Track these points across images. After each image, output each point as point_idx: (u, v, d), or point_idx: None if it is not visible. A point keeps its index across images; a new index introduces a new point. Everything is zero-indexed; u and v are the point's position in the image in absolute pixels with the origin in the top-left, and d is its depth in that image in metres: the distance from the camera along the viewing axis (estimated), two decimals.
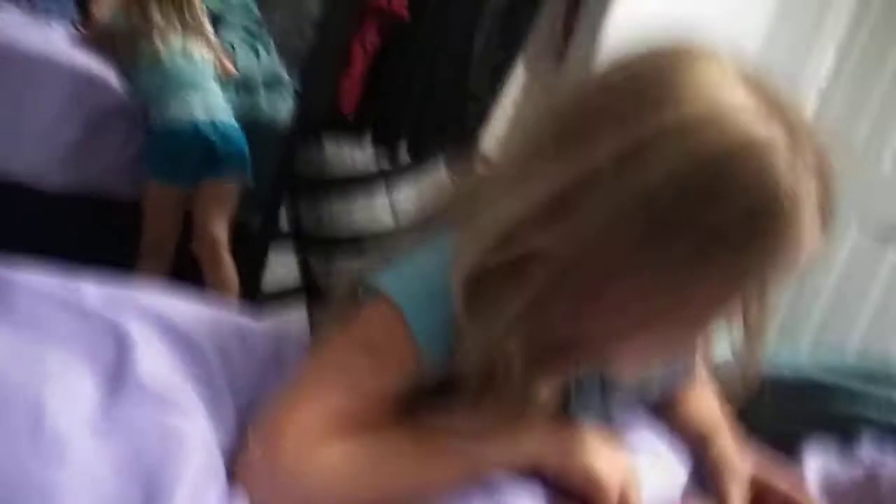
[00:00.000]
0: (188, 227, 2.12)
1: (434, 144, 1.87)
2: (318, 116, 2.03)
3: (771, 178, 0.49)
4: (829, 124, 2.65)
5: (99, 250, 2.05)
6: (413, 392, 0.61)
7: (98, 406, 0.55)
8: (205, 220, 2.11)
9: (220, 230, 2.12)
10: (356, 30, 1.88)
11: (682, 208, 0.49)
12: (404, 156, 1.87)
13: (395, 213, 1.65)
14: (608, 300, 0.53)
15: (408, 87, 1.93)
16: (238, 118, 2.16)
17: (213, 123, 2.02)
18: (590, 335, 0.57)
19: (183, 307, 0.72)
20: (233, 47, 2.40)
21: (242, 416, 0.63)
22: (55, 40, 2.14)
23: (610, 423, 0.72)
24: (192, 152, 2.01)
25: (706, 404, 0.83)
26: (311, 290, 1.71)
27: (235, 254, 2.15)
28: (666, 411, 0.82)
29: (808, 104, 2.71)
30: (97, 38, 2.13)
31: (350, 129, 1.85)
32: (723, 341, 0.62)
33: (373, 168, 1.73)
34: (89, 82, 2.01)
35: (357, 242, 1.58)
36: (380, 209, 1.65)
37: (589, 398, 0.71)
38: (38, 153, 1.94)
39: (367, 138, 1.82)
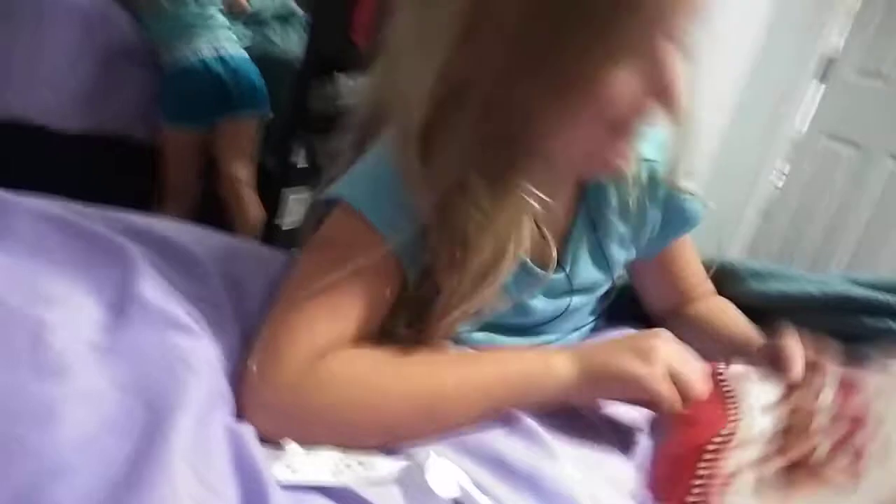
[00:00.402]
0: (213, 168, 2.11)
1: None
2: (331, 50, 1.98)
3: None
4: (862, 49, 2.56)
5: (118, 193, 2.07)
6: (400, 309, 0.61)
7: (101, 326, 0.54)
8: (225, 160, 2.09)
9: (241, 168, 2.11)
10: None
11: None
12: None
13: None
14: (535, 96, 0.54)
15: None
16: (250, 53, 2.13)
17: (223, 59, 1.98)
18: (533, 139, 0.58)
19: (191, 233, 0.72)
20: None
21: (250, 338, 0.62)
22: None
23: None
24: (204, 92, 1.97)
25: (732, 319, 0.84)
26: None
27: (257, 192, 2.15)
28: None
29: (840, 32, 2.62)
30: None
31: (364, 61, 1.81)
32: None
33: None
34: (102, 23, 1.98)
35: None
36: None
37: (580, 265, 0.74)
38: (53, 94, 1.92)
39: None
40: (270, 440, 0.54)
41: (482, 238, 0.57)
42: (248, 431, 0.52)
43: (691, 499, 0.55)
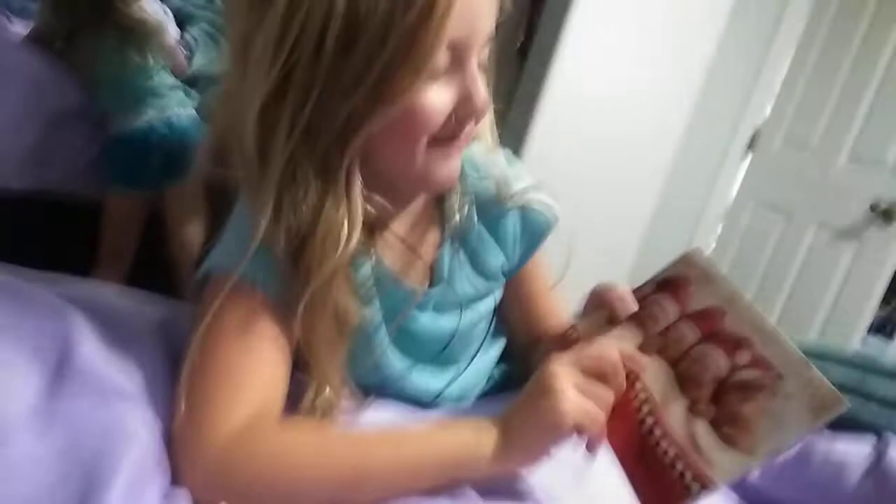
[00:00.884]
0: (156, 230, 2.08)
1: None
2: None
3: None
4: (786, 124, 2.72)
5: (57, 254, 2.04)
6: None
7: (40, 397, 0.55)
8: (173, 224, 2.06)
9: (191, 232, 2.06)
10: None
11: None
12: None
13: None
14: (349, 77, 0.58)
15: None
16: (202, 111, 2.15)
17: (170, 123, 1.97)
18: (359, 152, 0.62)
19: (131, 298, 0.73)
20: (197, 42, 2.39)
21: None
22: (13, 39, 2.12)
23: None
24: (150, 156, 1.96)
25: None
26: None
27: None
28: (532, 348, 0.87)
29: (766, 106, 2.79)
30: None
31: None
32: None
33: None
34: (48, 84, 1.98)
35: None
36: None
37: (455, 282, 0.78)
38: None
39: None
40: None
41: (318, 226, 0.61)
42: (183, 499, 0.53)
43: (690, 484, 0.59)
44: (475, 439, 0.62)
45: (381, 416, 0.72)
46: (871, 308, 2.35)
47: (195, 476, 0.58)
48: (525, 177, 0.83)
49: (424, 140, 0.64)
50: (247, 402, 0.60)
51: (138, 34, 1.99)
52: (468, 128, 0.67)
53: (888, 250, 2.31)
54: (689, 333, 0.68)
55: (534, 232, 0.83)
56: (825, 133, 2.57)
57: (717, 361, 0.65)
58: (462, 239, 0.79)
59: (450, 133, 0.65)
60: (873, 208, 2.32)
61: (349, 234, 0.63)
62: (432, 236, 0.78)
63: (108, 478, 0.49)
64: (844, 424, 0.84)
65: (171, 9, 2.36)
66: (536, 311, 0.89)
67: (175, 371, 0.66)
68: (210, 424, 0.59)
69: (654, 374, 0.66)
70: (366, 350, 0.72)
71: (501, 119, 0.79)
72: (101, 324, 0.65)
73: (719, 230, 2.99)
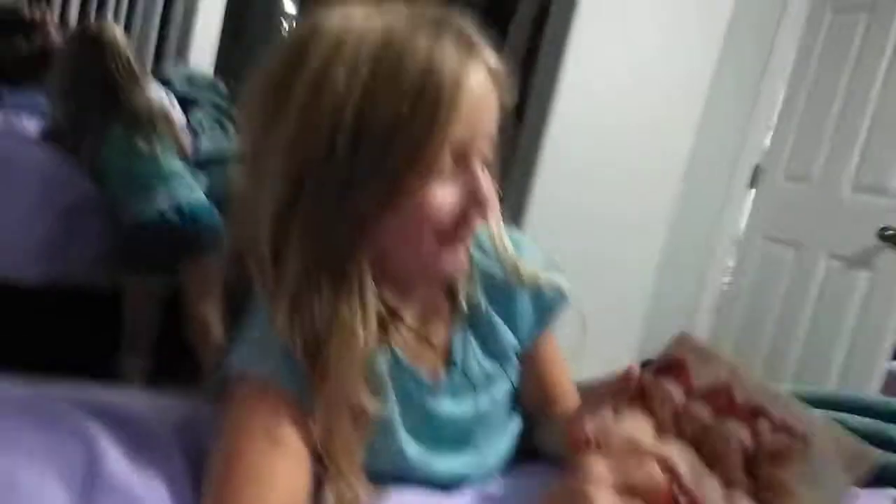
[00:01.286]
0: (177, 314, 2.11)
1: None
2: None
3: (419, 45, 0.62)
4: (785, 155, 2.75)
5: (80, 343, 2.08)
6: None
7: None
8: (190, 303, 2.08)
9: (207, 310, 2.05)
10: None
11: (375, 86, 0.61)
12: None
13: None
14: (359, 181, 0.62)
15: None
16: (212, 195, 2.20)
17: (180, 208, 2.01)
18: (371, 246, 0.66)
19: (152, 405, 0.75)
20: (203, 126, 2.46)
21: None
22: (25, 136, 2.19)
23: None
24: (162, 245, 2.00)
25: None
26: None
27: None
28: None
29: (764, 141, 2.82)
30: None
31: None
32: None
33: None
34: (60, 178, 2.04)
35: None
36: None
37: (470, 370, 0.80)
38: (12, 250, 1.96)
39: None
40: None
41: (333, 332, 0.63)
42: None
43: None
44: None
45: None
46: (891, 333, 2.33)
47: None
48: (536, 256, 0.84)
49: (431, 235, 0.67)
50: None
51: (145, 123, 2.06)
52: (474, 222, 0.69)
53: None
54: (703, 412, 0.68)
55: (544, 311, 0.85)
56: (826, 163, 2.59)
57: (739, 433, 0.65)
58: (472, 323, 0.81)
59: (456, 227, 0.68)
60: (881, 235, 2.32)
61: (364, 335, 0.65)
62: (443, 322, 0.80)
63: None
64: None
65: (174, 94, 2.45)
66: (548, 390, 0.90)
67: (196, 473, 0.68)
68: None
69: (679, 457, 0.65)
70: (384, 442, 0.72)
71: (504, 173, 0.81)
72: (124, 434, 0.66)
73: (731, 267, 2.99)
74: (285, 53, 0.66)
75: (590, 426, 0.65)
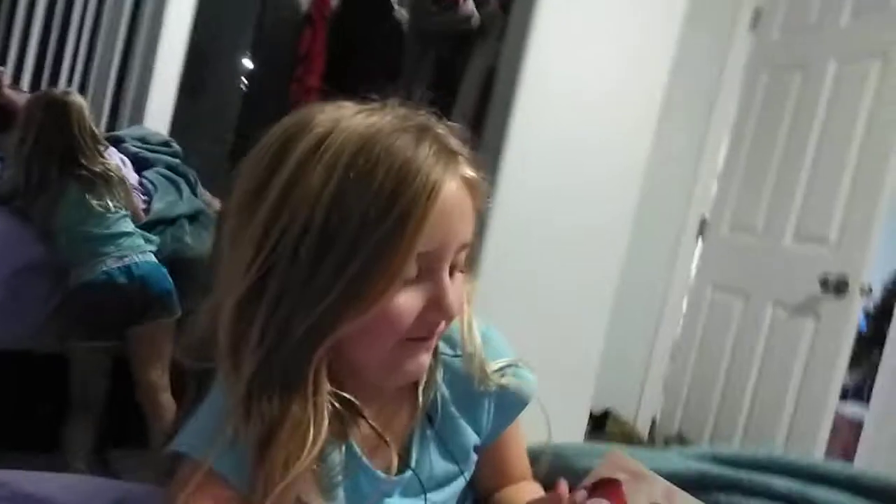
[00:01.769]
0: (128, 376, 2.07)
1: None
2: None
3: (396, 152, 0.62)
4: (730, 206, 2.82)
5: (29, 406, 2.05)
6: None
7: None
8: (138, 367, 2.06)
9: (156, 374, 2.06)
10: None
11: (347, 185, 0.61)
12: None
13: None
14: (321, 282, 0.62)
15: None
16: (164, 256, 2.19)
17: (128, 269, 2.00)
18: (326, 320, 0.63)
19: (79, 491, 0.74)
20: (155, 186, 2.46)
21: None
22: None
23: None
24: (109, 306, 1.98)
25: (525, 492, 0.89)
26: None
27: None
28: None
29: (709, 194, 2.90)
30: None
31: None
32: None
33: None
34: (10, 240, 2.03)
35: None
36: None
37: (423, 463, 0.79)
38: None
39: None
40: None
41: (282, 430, 0.63)
42: None
43: None
44: None
45: None
46: (839, 378, 2.38)
47: None
48: (503, 351, 0.84)
49: (392, 340, 0.66)
50: None
51: (100, 186, 2.05)
52: (437, 329, 0.69)
53: (846, 321, 2.36)
54: None
55: (508, 409, 0.85)
56: (768, 214, 2.67)
57: None
58: (433, 421, 0.80)
59: (419, 333, 0.68)
60: (823, 283, 2.38)
61: (314, 437, 0.64)
62: (403, 417, 0.79)
63: None
64: None
65: (126, 155, 2.44)
66: (504, 473, 0.90)
67: None
68: None
69: None
70: None
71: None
72: None
73: (684, 313, 3.04)
74: (270, 146, 0.66)
75: None
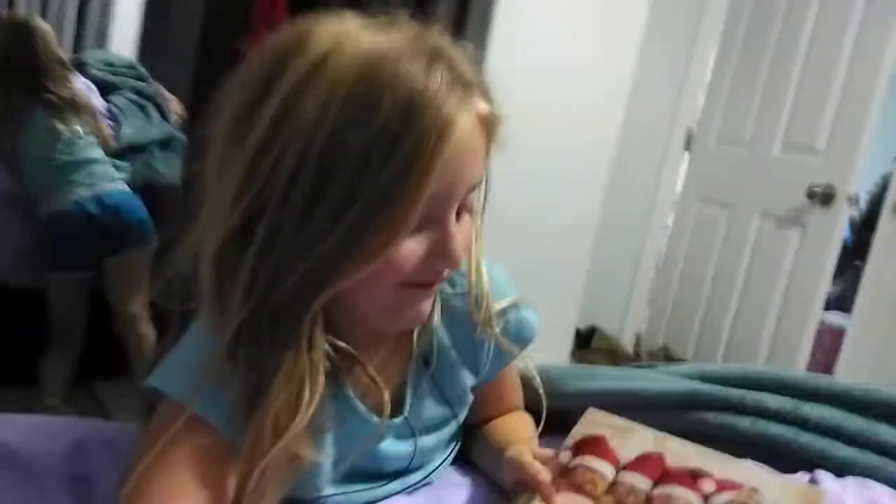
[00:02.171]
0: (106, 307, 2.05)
1: None
2: None
3: (404, 81, 0.53)
4: (717, 120, 2.77)
5: (9, 338, 2.02)
6: None
7: None
8: (117, 300, 2.04)
9: (137, 306, 2.04)
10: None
11: (347, 117, 0.53)
12: None
13: None
14: (317, 227, 0.55)
15: None
16: (135, 184, 2.13)
17: (100, 199, 1.95)
18: (321, 270, 0.57)
19: (37, 433, 0.71)
20: (123, 111, 2.37)
21: None
22: None
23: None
24: (82, 237, 1.93)
25: (514, 423, 0.87)
26: None
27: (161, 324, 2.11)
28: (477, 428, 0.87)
29: (697, 106, 2.83)
30: None
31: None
32: None
33: None
34: None
35: None
36: None
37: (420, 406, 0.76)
38: None
39: None
40: None
41: (274, 385, 0.58)
42: None
43: None
44: None
45: None
46: (824, 287, 2.39)
47: None
48: (506, 290, 0.79)
49: (393, 286, 0.61)
50: None
51: (68, 112, 1.98)
52: (441, 276, 0.64)
53: (832, 231, 2.35)
54: (639, 483, 0.68)
55: (508, 352, 0.80)
56: (756, 126, 2.62)
57: (687, 498, 0.65)
58: (429, 365, 0.76)
59: (421, 279, 0.62)
60: (810, 194, 2.36)
61: (310, 395, 0.59)
62: (398, 360, 0.75)
63: None
64: (782, 451, 0.86)
65: (91, 80, 2.34)
66: (495, 408, 0.88)
67: (85, 498, 0.65)
68: None
69: None
70: (305, 480, 0.67)
71: None
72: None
73: (669, 228, 3.03)
74: (260, 66, 0.58)
75: None
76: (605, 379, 0.98)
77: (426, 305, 0.66)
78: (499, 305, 0.76)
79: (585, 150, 2.41)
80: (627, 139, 2.52)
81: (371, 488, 0.76)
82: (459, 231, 0.61)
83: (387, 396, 0.70)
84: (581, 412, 0.86)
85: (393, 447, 0.76)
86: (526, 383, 0.91)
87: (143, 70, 2.59)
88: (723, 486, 0.66)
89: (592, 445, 0.72)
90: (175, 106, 2.55)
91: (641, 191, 2.90)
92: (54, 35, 2.06)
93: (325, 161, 0.53)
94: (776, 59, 2.55)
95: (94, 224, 1.94)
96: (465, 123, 0.56)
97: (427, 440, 0.79)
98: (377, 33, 0.56)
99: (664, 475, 0.69)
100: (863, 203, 3.28)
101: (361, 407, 0.71)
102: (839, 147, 2.33)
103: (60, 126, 1.96)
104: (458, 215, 0.62)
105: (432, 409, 0.78)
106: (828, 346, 2.78)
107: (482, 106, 0.59)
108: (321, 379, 0.60)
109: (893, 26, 2.19)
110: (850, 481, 0.81)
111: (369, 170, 0.53)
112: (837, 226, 2.33)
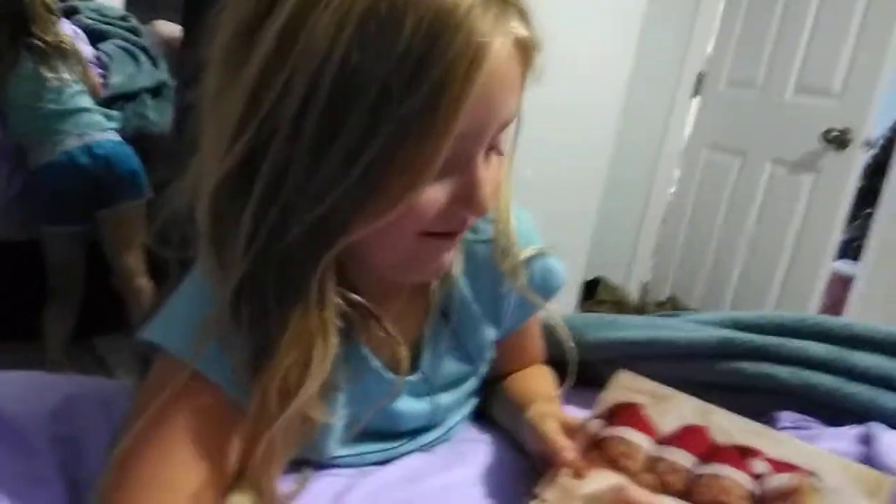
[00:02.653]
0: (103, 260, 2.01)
1: None
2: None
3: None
4: (728, 63, 2.68)
5: (9, 292, 1.98)
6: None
7: None
8: (113, 252, 1.99)
9: (132, 258, 1.99)
10: None
11: (364, 41, 0.46)
12: None
13: None
14: (330, 168, 0.48)
15: None
16: (127, 134, 2.06)
17: (91, 149, 1.88)
18: (335, 218, 0.51)
19: (22, 391, 0.67)
20: (112, 59, 2.28)
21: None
22: None
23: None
24: (73, 189, 1.87)
25: (535, 378, 0.82)
26: None
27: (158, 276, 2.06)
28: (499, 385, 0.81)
29: (707, 48, 2.74)
30: None
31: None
32: None
33: None
34: None
35: None
36: None
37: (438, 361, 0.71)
38: None
39: None
40: None
41: (281, 347, 0.52)
42: None
43: None
44: None
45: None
46: (837, 232, 2.33)
47: None
48: (532, 238, 0.73)
49: (413, 236, 0.54)
50: (177, 496, 0.52)
51: (55, 58, 1.90)
52: (465, 225, 0.57)
53: (846, 176, 2.28)
54: (682, 459, 0.61)
55: (532, 302, 0.74)
56: (769, 68, 2.53)
57: (736, 478, 0.58)
58: (448, 318, 0.71)
59: (444, 228, 0.55)
60: (825, 137, 2.29)
61: (321, 357, 0.53)
62: (415, 313, 0.70)
63: None
64: (827, 402, 0.81)
65: (81, 27, 2.25)
66: (517, 361, 0.83)
67: (75, 461, 0.61)
68: None
69: None
70: (316, 441, 0.62)
71: None
72: None
73: (677, 177, 2.96)
74: None
75: None
76: (629, 328, 0.93)
77: (447, 257, 0.60)
78: (524, 254, 0.70)
79: (593, 97, 2.33)
80: (636, 85, 2.44)
81: (385, 449, 0.72)
82: (488, 175, 0.55)
83: (404, 352, 0.64)
84: (604, 363, 0.81)
85: (409, 405, 0.71)
86: (545, 335, 0.85)
87: (135, 23, 2.49)
88: (776, 466, 0.60)
89: (626, 414, 0.64)
90: None
91: (649, 137, 2.83)
92: None
93: (339, 91, 0.46)
94: None
95: (85, 175, 1.87)
96: (500, 49, 0.48)
97: (445, 397, 0.75)
98: None
99: (710, 452, 0.61)
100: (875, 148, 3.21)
101: (376, 363, 0.66)
102: (855, 89, 2.25)
103: (47, 73, 1.87)
104: (487, 156, 0.55)
105: (451, 364, 0.73)
106: (836, 295, 2.74)
107: (520, 28, 0.51)
108: (333, 339, 0.55)
109: None
110: None
111: (389, 102, 0.46)
112: (852, 169, 2.26)
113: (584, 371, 0.78)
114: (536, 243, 0.73)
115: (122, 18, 2.49)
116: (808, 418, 0.78)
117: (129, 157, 1.98)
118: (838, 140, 2.26)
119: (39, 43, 1.87)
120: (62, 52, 1.93)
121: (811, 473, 0.59)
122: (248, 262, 0.51)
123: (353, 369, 0.62)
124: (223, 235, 0.52)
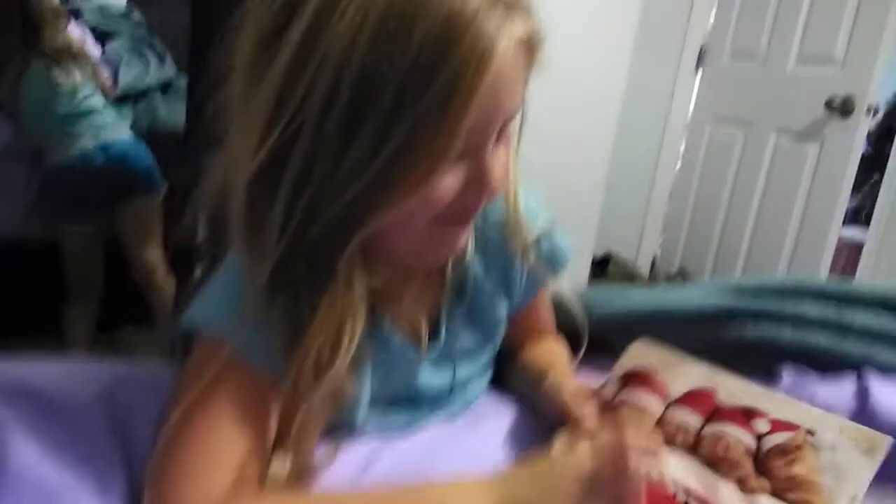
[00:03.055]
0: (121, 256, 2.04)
1: None
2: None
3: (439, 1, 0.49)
4: (730, 35, 2.68)
5: (29, 293, 2.02)
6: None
7: None
8: (131, 248, 2.03)
9: (150, 254, 2.03)
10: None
11: (378, 49, 0.49)
12: None
13: None
14: (351, 163, 0.52)
15: None
16: (139, 132, 2.09)
17: (104, 148, 1.92)
18: (357, 207, 0.55)
19: (70, 375, 0.70)
20: (120, 58, 2.32)
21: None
22: None
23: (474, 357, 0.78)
24: (88, 187, 1.92)
25: (549, 349, 0.86)
26: None
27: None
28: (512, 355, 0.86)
29: (708, 20, 2.74)
30: None
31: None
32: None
33: None
34: None
35: None
36: None
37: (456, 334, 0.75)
38: None
39: None
40: None
41: (313, 327, 0.57)
42: None
43: None
44: (462, 497, 0.58)
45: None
46: (844, 198, 2.35)
47: None
48: (541, 216, 0.77)
49: (428, 220, 0.58)
50: (222, 472, 0.56)
51: (66, 62, 1.94)
52: (477, 209, 0.61)
53: (851, 142, 2.29)
54: (689, 419, 0.66)
55: (542, 275, 0.80)
56: (770, 39, 2.54)
57: (739, 437, 0.63)
58: (464, 292, 0.75)
59: (456, 214, 0.59)
60: (829, 105, 2.30)
61: (350, 338, 0.58)
62: (433, 290, 0.74)
63: None
64: (825, 360, 0.84)
65: (87, 27, 2.29)
66: (530, 332, 0.87)
67: (124, 444, 0.64)
68: (185, 497, 0.54)
69: (681, 467, 0.63)
70: (344, 411, 0.66)
71: None
72: (35, 415, 0.62)
73: (682, 150, 2.97)
74: None
75: None
76: (638, 299, 0.96)
77: (460, 241, 0.65)
78: (533, 234, 0.75)
79: (596, 76, 2.34)
80: (638, 61, 2.45)
81: (410, 419, 0.76)
82: (496, 162, 0.59)
83: (424, 327, 0.70)
84: (616, 333, 0.85)
85: (430, 377, 0.76)
86: (557, 308, 0.89)
87: (137, 16, 2.52)
88: (777, 426, 0.64)
89: (640, 379, 0.70)
90: None
91: (654, 113, 2.84)
92: None
93: (357, 94, 0.50)
94: None
95: (100, 175, 1.91)
96: (505, 50, 0.52)
97: (463, 368, 0.79)
98: None
99: (715, 412, 0.67)
100: (880, 114, 3.21)
101: (398, 339, 0.71)
102: (857, 56, 2.25)
103: (59, 76, 1.91)
104: (495, 143, 0.59)
105: (468, 337, 0.78)
106: (845, 261, 2.76)
107: (524, 28, 0.55)
108: (360, 319, 0.59)
109: None
110: None
111: (404, 103, 0.50)
112: (857, 136, 2.27)
113: (597, 342, 0.82)
114: (544, 222, 0.77)
115: (125, 15, 2.53)
116: (808, 372, 0.82)
117: (143, 155, 2.01)
118: (842, 107, 2.27)
119: (49, 47, 1.91)
120: (72, 56, 1.96)
121: (809, 432, 0.63)
122: (281, 251, 0.55)
123: (377, 345, 0.67)
124: (257, 227, 0.56)
